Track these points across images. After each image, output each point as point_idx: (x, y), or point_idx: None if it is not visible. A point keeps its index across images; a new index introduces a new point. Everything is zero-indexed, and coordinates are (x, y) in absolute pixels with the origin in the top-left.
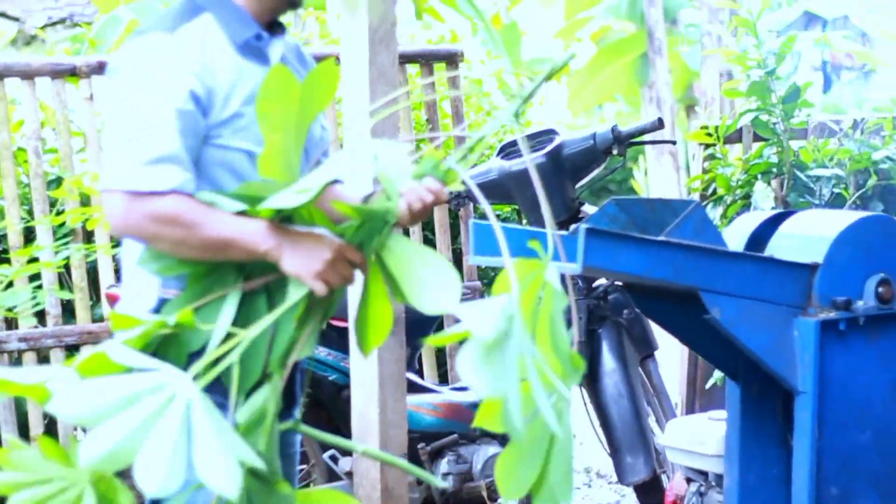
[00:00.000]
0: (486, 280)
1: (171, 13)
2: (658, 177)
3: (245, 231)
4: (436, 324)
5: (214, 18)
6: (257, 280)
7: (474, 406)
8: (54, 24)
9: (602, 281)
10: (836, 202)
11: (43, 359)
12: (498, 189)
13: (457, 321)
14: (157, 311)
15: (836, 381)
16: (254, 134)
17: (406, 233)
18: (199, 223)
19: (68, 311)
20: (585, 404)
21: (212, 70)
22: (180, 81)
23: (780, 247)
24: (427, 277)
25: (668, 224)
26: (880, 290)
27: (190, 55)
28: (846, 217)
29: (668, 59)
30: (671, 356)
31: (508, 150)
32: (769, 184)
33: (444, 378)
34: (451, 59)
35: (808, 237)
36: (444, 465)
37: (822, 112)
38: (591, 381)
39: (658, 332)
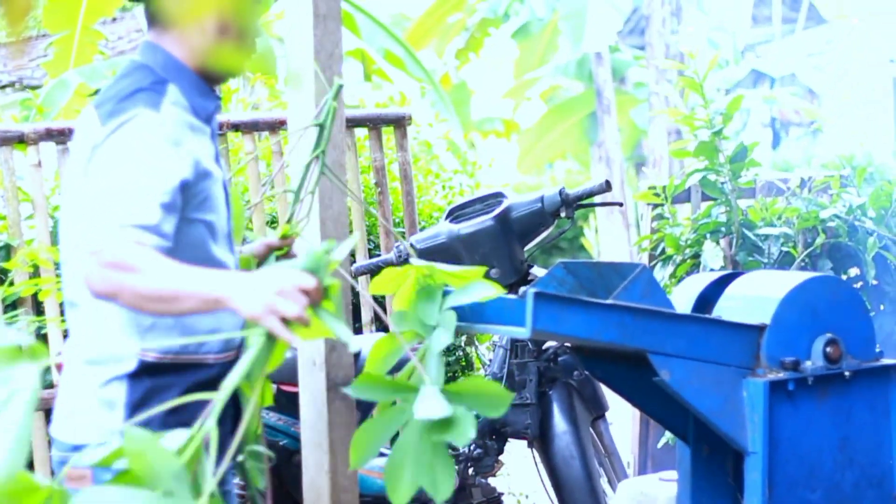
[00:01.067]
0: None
1: (137, 82)
2: (608, 235)
3: (197, 279)
4: None
5: (178, 90)
6: None
7: None
8: (3, 87)
9: (552, 343)
10: (785, 261)
11: None
12: (446, 252)
13: None
14: (136, 373)
15: (785, 440)
16: (210, 205)
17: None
18: (150, 269)
19: None
20: (537, 465)
21: (190, 150)
22: (173, 167)
23: (728, 308)
24: None
25: (615, 287)
26: (828, 349)
27: (176, 138)
28: (793, 278)
29: (616, 118)
30: (623, 416)
31: (457, 214)
32: (718, 243)
33: (395, 440)
34: (399, 123)
35: (756, 298)
36: None
37: (771, 168)
38: (543, 442)
39: (609, 393)
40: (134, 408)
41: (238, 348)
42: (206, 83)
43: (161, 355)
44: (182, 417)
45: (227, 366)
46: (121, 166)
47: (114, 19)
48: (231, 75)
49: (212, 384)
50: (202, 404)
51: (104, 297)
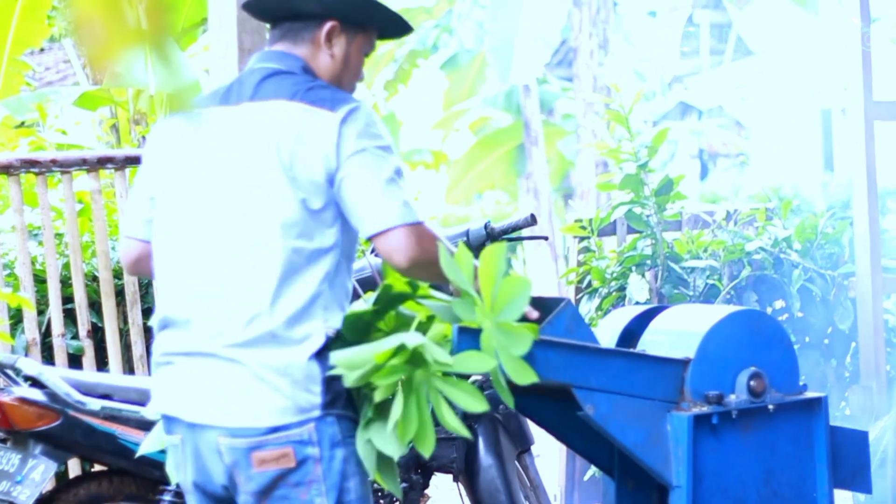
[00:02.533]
0: None
1: (323, 85)
2: (536, 267)
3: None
4: None
5: None
6: None
7: None
8: None
9: (477, 376)
10: (711, 293)
11: None
12: (373, 286)
13: None
14: (324, 349)
15: (709, 474)
16: None
17: None
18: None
19: None
20: (462, 499)
21: None
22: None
23: (653, 342)
24: None
25: (539, 321)
26: (752, 383)
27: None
28: (717, 312)
29: (544, 149)
30: (551, 449)
31: None
32: (644, 276)
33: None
34: None
35: (680, 332)
36: None
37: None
38: (469, 476)
39: (535, 426)
40: (328, 382)
41: None
42: None
43: (335, 331)
44: (342, 385)
45: None
46: (380, 151)
47: (41, 50)
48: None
49: None
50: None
51: (425, 264)
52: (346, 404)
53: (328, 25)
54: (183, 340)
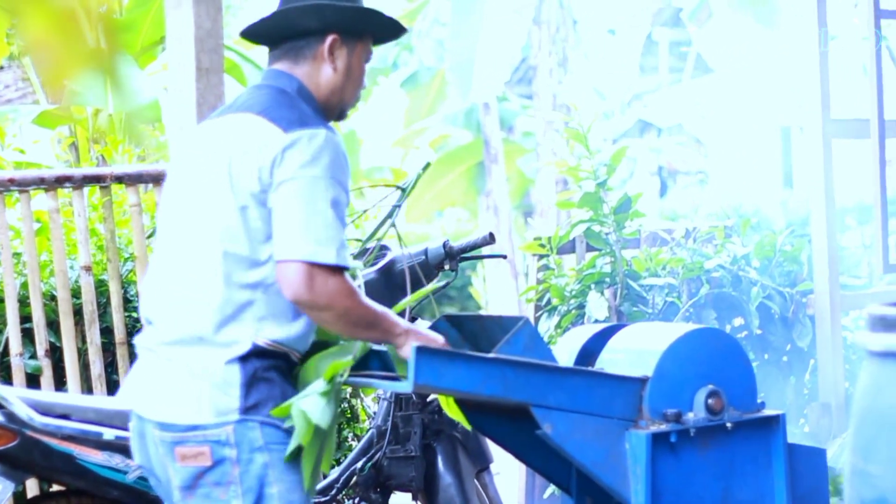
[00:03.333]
0: None
1: (296, 104)
2: (497, 284)
3: (387, 315)
4: None
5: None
6: None
7: None
8: None
9: (437, 395)
10: (670, 311)
11: None
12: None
13: None
14: (247, 355)
15: (668, 492)
16: None
17: None
18: (361, 299)
19: None
20: None
21: None
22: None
23: (611, 360)
24: None
25: (498, 340)
26: (710, 401)
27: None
28: (675, 330)
29: (504, 167)
30: (511, 467)
31: None
32: (603, 294)
33: None
34: None
35: (638, 350)
36: None
37: (659, 217)
38: (428, 494)
39: (495, 445)
40: (248, 387)
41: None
42: (323, 114)
43: (269, 342)
44: (274, 393)
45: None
46: (321, 183)
47: (1, 68)
48: (348, 109)
49: (287, 372)
50: (286, 384)
51: (310, 306)
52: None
53: (330, 39)
54: (146, 336)
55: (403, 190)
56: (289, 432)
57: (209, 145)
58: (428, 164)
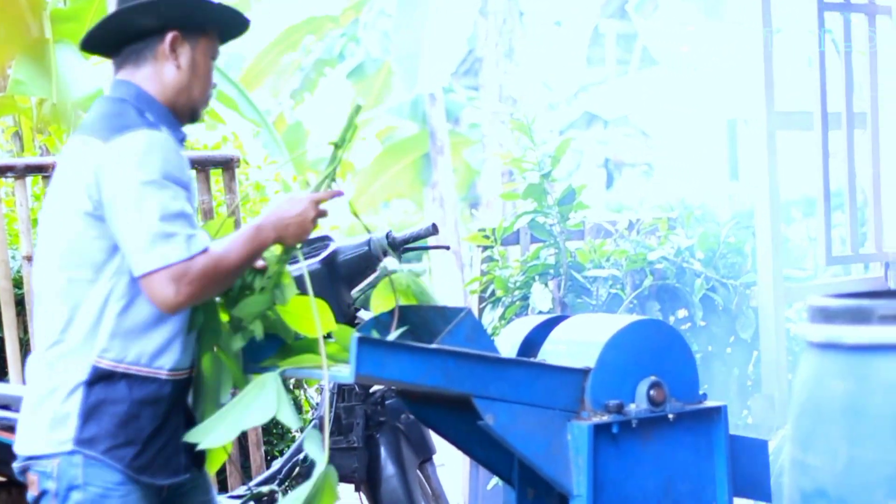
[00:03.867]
0: None
1: (123, 111)
2: (442, 276)
3: (244, 236)
4: None
5: (157, 119)
6: None
7: None
8: None
9: (379, 386)
10: (613, 303)
11: None
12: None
13: None
14: (91, 381)
15: (610, 483)
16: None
17: None
18: (223, 258)
19: None
20: None
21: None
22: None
23: (553, 351)
24: None
25: (440, 331)
26: (652, 392)
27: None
28: (617, 321)
29: (450, 158)
30: (454, 458)
31: None
32: (546, 285)
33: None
34: (228, 165)
35: (580, 342)
36: None
37: (605, 209)
38: (371, 485)
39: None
40: (86, 417)
41: (190, 368)
42: (174, 116)
43: (115, 363)
44: (130, 432)
45: (179, 384)
46: (150, 186)
47: None
48: (200, 110)
49: (163, 401)
50: (152, 419)
51: (188, 303)
52: (113, 451)
53: (170, 36)
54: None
55: (338, 145)
56: (125, 475)
57: (58, 172)
58: (359, 107)
